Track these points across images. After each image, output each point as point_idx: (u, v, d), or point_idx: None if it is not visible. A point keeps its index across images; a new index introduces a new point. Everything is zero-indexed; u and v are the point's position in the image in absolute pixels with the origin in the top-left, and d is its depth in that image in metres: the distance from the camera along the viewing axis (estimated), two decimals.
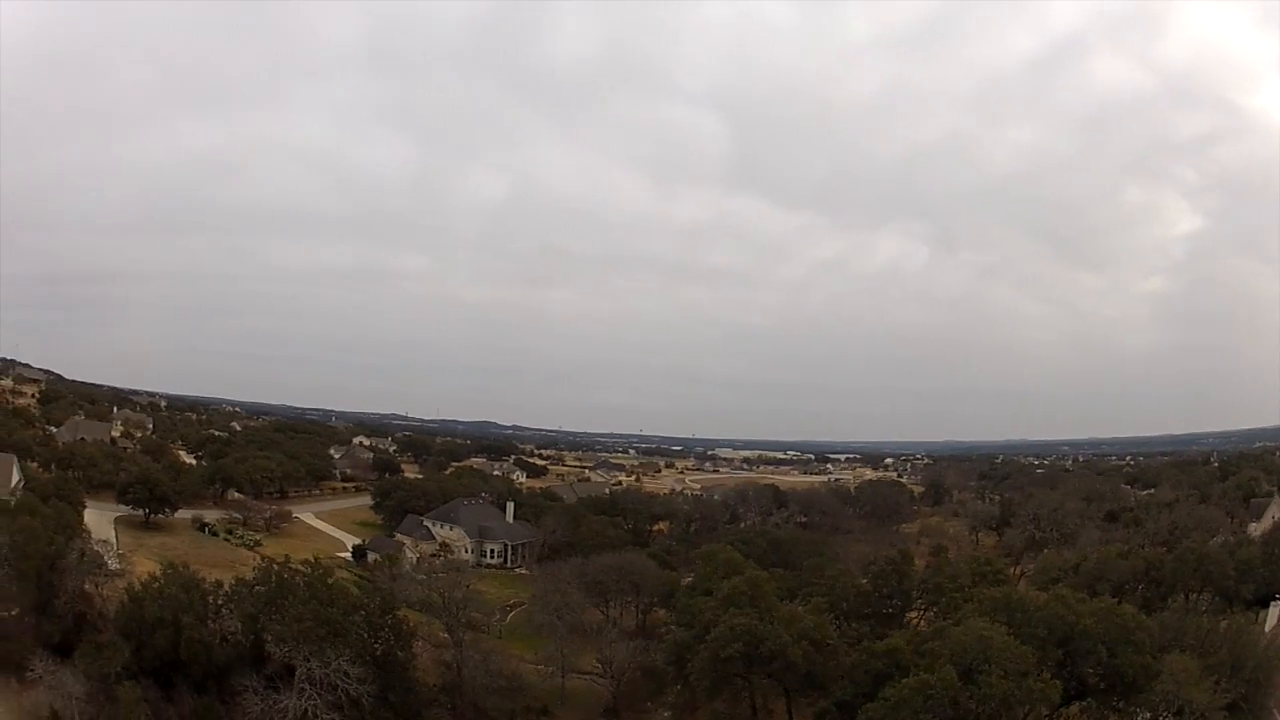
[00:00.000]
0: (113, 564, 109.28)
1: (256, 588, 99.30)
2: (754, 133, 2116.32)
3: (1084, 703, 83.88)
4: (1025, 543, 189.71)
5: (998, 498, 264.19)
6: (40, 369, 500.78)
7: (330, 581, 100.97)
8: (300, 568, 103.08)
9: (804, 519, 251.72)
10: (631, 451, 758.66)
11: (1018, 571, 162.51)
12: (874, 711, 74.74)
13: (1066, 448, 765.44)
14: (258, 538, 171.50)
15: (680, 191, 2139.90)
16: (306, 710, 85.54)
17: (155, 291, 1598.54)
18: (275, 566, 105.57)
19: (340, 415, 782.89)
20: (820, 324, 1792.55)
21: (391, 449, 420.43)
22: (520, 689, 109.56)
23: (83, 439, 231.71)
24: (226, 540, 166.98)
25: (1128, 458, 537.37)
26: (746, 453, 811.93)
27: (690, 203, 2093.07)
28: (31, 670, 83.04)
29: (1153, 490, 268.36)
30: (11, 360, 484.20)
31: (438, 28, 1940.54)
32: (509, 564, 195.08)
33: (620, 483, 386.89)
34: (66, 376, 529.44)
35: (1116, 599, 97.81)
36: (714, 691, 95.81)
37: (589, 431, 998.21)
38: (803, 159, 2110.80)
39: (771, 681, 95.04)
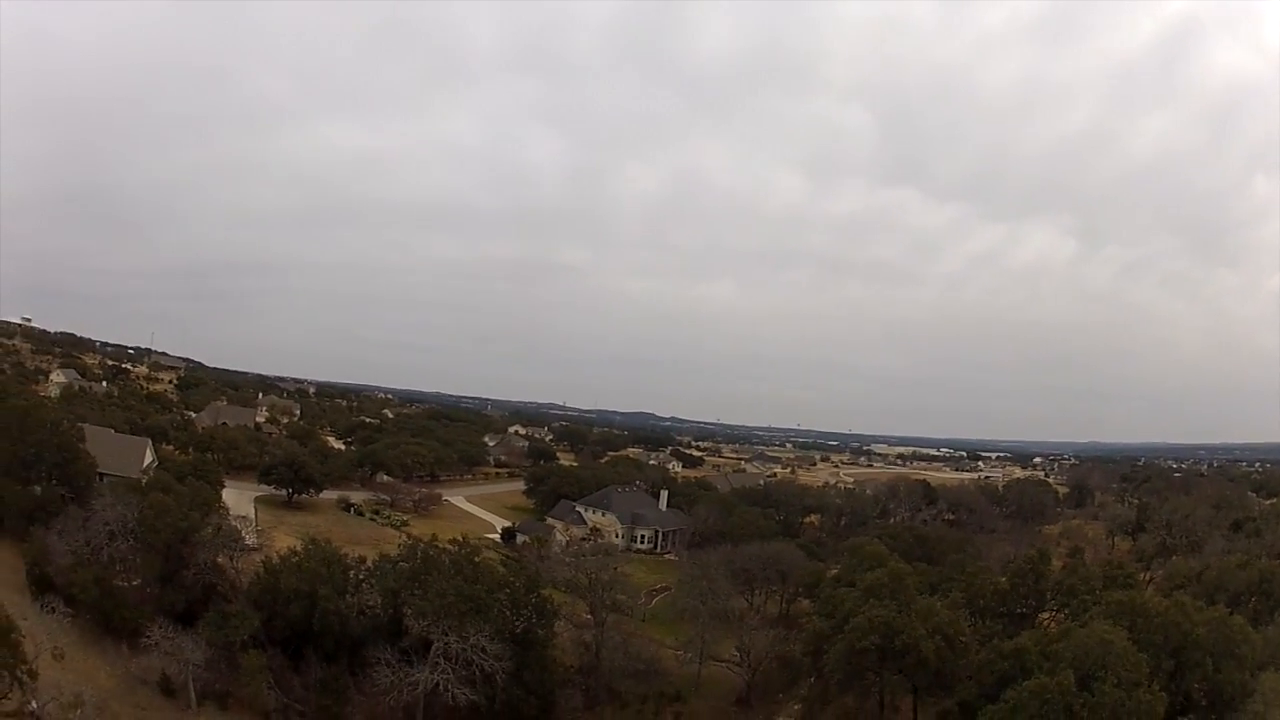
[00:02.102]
0: (250, 539, 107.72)
1: (400, 564, 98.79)
2: (902, 125, 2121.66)
3: (1186, 719, 79.12)
4: (1156, 549, 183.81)
5: (1135, 501, 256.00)
6: (179, 357, 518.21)
7: (476, 560, 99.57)
8: (447, 546, 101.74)
9: (951, 516, 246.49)
10: (788, 445, 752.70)
11: (1147, 577, 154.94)
12: (993, 714, 71.41)
13: (1203, 451, 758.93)
14: (404, 518, 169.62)
15: (834, 185, 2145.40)
16: (439, 684, 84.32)
17: (307, 282, 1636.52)
18: (421, 544, 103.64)
19: (496, 404, 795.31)
20: (974, 319, 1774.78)
21: (548, 438, 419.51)
22: (656, 673, 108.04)
23: (224, 423, 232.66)
24: (372, 520, 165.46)
25: (1257, 464, 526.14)
26: (901, 449, 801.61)
27: (844, 196, 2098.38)
28: (147, 637, 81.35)
29: (1276, 499, 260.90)
30: (147, 349, 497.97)
31: (585, 29, 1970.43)
32: (659, 550, 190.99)
33: (775, 475, 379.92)
34: (208, 364, 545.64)
35: (1230, 610, 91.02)
36: (846, 684, 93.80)
37: (746, 424, 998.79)
38: (950, 150, 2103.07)
39: (902, 677, 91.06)
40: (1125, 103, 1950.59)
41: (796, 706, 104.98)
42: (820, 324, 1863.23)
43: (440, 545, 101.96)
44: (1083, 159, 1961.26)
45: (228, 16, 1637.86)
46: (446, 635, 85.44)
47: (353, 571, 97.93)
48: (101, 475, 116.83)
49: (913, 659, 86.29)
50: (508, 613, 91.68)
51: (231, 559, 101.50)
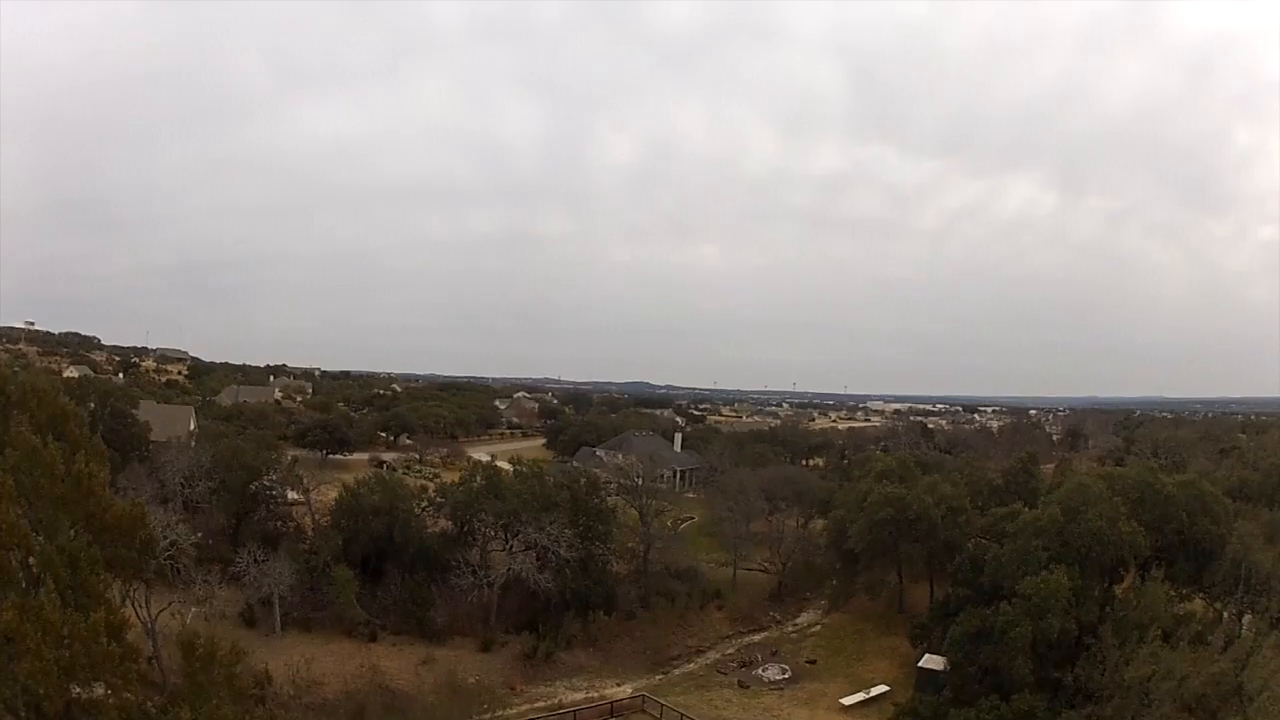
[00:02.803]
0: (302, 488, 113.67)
1: (468, 483, 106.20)
2: (873, 79, 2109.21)
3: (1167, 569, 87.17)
4: None
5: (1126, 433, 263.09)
6: (175, 353, 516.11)
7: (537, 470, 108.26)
8: (505, 465, 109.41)
9: (949, 452, 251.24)
10: (784, 405, 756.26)
11: None
12: (997, 553, 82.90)
13: (1199, 405, 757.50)
14: (435, 471, 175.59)
15: (811, 142, 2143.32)
16: (521, 572, 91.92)
17: (295, 272, 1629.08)
18: (480, 466, 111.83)
19: (494, 381, 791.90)
20: (962, 274, 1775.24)
21: (553, 403, 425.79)
22: (697, 575, 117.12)
23: (245, 401, 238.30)
24: (404, 475, 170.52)
25: (1253, 417, 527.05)
26: (897, 405, 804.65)
27: (822, 153, 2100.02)
28: (236, 564, 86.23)
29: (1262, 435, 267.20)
30: (144, 348, 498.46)
31: None
32: (677, 489, 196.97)
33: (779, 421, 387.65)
34: (204, 360, 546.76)
35: None
36: (870, 559, 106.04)
37: (741, 389, 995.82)
38: (925, 104, 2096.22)
39: (917, 546, 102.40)
40: (1098, 52, 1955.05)
41: (823, 602, 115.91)
42: (810, 282, 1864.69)
43: (498, 465, 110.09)
44: (1059, 110, 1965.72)
45: (198, 13, 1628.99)
46: (524, 525, 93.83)
47: (420, 498, 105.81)
48: (151, 443, 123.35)
49: (924, 527, 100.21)
50: (573, 510, 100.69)
51: (303, 494, 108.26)
